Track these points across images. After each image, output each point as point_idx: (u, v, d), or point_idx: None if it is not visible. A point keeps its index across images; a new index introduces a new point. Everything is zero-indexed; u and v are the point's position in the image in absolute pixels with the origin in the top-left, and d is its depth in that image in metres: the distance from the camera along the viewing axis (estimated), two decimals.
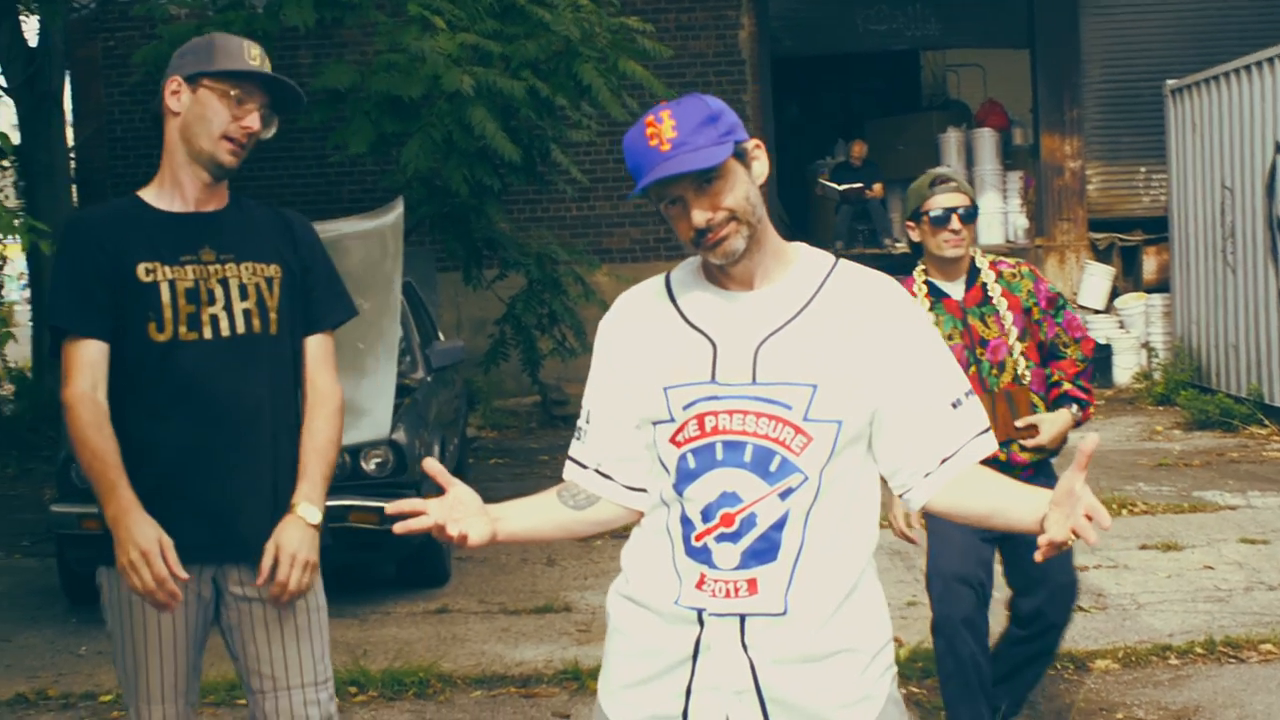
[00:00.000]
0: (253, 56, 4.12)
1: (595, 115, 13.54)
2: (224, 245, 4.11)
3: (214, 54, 4.09)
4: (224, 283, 4.07)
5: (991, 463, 3.38)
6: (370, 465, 8.75)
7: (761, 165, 3.18)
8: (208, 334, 4.03)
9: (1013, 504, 3.20)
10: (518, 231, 15.17)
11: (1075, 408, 5.71)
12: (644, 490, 3.29)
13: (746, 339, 3.14)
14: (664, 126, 3.05)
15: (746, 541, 3.11)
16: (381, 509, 8.64)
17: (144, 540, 3.80)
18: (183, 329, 4.01)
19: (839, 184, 19.29)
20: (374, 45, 12.76)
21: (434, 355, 10.41)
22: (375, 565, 9.43)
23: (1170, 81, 17.16)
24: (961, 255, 5.65)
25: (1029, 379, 5.67)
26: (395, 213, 9.41)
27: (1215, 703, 6.57)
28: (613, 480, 3.32)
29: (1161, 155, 17.76)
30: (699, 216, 3.08)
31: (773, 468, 3.10)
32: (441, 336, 12.00)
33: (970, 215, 5.62)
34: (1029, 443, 5.61)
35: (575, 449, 3.39)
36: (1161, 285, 18.32)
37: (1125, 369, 18.01)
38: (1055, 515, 3.02)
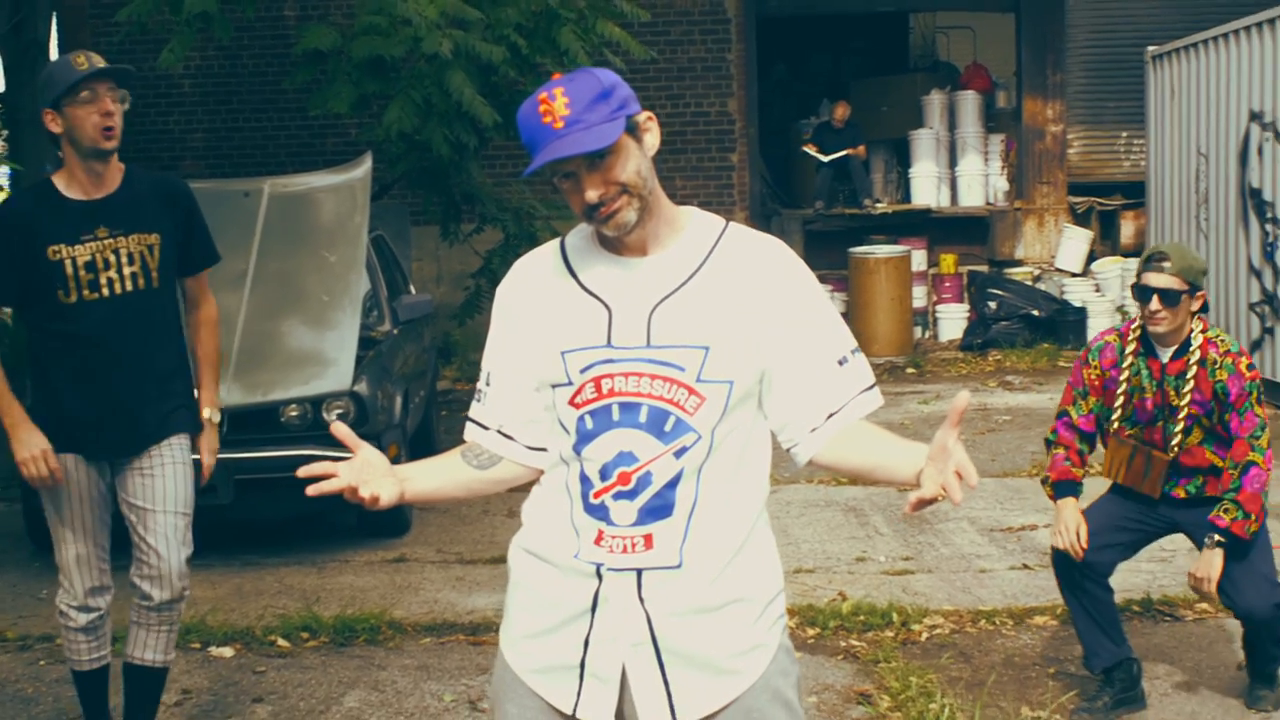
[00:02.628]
0: (79, 64, 5.11)
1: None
2: (115, 224, 5.27)
3: (54, 81, 5.12)
4: (115, 253, 5.26)
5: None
6: (332, 416, 8.85)
7: (653, 137, 3.26)
8: (105, 294, 5.25)
9: (894, 459, 3.30)
10: (496, 187, 15.26)
11: (1216, 537, 5.87)
12: (544, 450, 3.39)
13: (640, 304, 3.23)
14: (557, 104, 3.11)
15: (643, 499, 3.21)
16: (343, 458, 8.75)
17: (33, 447, 5.21)
18: (85, 292, 5.24)
19: (821, 147, 19.33)
20: (356, 2, 12.83)
21: (401, 309, 10.51)
22: (336, 515, 9.56)
23: (1151, 48, 17.23)
24: (1165, 332, 5.88)
25: (1174, 450, 5.99)
26: (364, 167, 9.53)
27: (1147, 658, 6.70)
28: (514, 441, 3.42)
29: (1142, 121, 17.84)
30: (592, 193, 3.15)
31: (667, 428, 3.21)
32: (413, 290, 12.09)
33: (1172, 299, 5.80)
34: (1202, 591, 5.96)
35: (476, 410, 3.48)
36: (1138, 250, 18.41)
37: (1099, 332, 18.11)
38: (929, 470, 3.12)
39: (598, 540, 3.24)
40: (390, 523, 9.43)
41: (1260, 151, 14.09)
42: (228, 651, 7.15)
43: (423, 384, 11.17)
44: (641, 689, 3.27)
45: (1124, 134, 19.51)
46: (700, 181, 18.97)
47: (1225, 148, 14.97)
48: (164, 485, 5.39)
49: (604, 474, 3.23)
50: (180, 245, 5.46)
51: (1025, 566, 8.42)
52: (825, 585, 8.14)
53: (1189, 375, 5.90)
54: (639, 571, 3.23)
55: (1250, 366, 5.94)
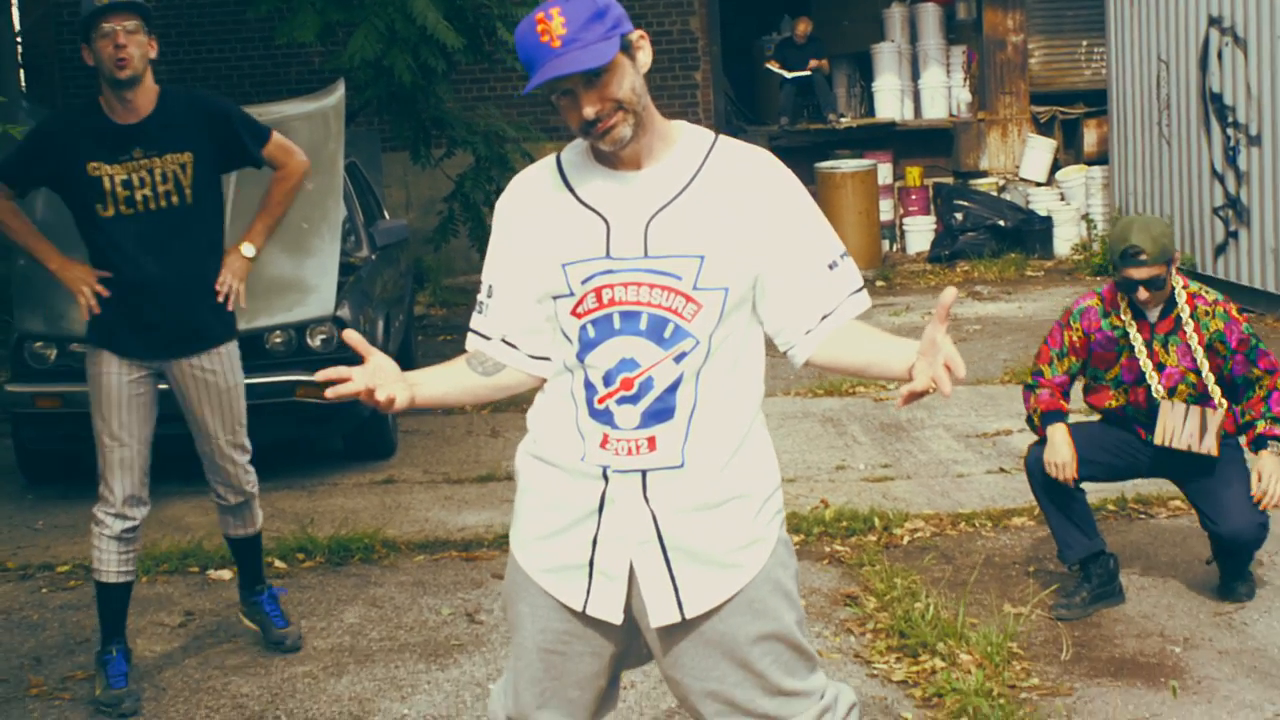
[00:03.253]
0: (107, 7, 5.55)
1: None
2: (148, 145, 5.68)
3: (80, 18, 5.59)
4: (150, 172, 5.70)
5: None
6: (316, 341, 8.97)
7: (646, 55, 3.37)
8: (140, 209, 5.71)
9: (886, 355, 3.44)
10: (465, 110, 15.31)
11: (1277, 445, 6.09)
12: (547, 359, 3.53)
13: (637, 215, 3.36)
14: (554, 24, 3.21)
15: (645, 403, 3.36)
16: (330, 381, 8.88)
17: (81, 276, 5.78)
18: (122, 208, 5.71)
19: (784, 64, 19.40)
20: None
21: (378, 234, 10.61)
22: (323, 439, 9.68)
23: None
24: (1155, 306, 6.14)
25: (1221, 404, 6.20)
26: (336, 94, 9.58)
27: (1123, 555, 6.89)
28: (517, 350, 3.54)
29: (1102, 29, 17.95)
30: (589, 110, 3.26)
31: (666, 334, 3.35)
32: (387, 215, 12.18)
33: (1157, 284, 6.03)
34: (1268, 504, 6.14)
35: (477, 322, 3.59)
36: (1102, 158, 18.59)
37: (1065, 240, 18.31)
38: (920, 365, 3.26)
39: (603, 444, 3.39)
40: (376, 446, 9.57)
41: (1220, 56, 14.23)
42: (226, 574, 7.29)
43: (401, 308, 11.29)
44: (649, 585, 3.43)
45: (1084, 42, 19.63)
46: (664, 100, 19.00)
47: (1185, 54, 15.10)
48: (217, 407, 5.89)
49: (607, 380, 3.37)
50: (224, 151, 5.88)
51: (1002, 470, 8.60)
52: (807, 494, 8.31)
53: (1184, 328, 6.12)
54: (644, 473, 3.38)
55: (1240, 310, 6.21)
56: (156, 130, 5.70)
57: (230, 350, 5.96)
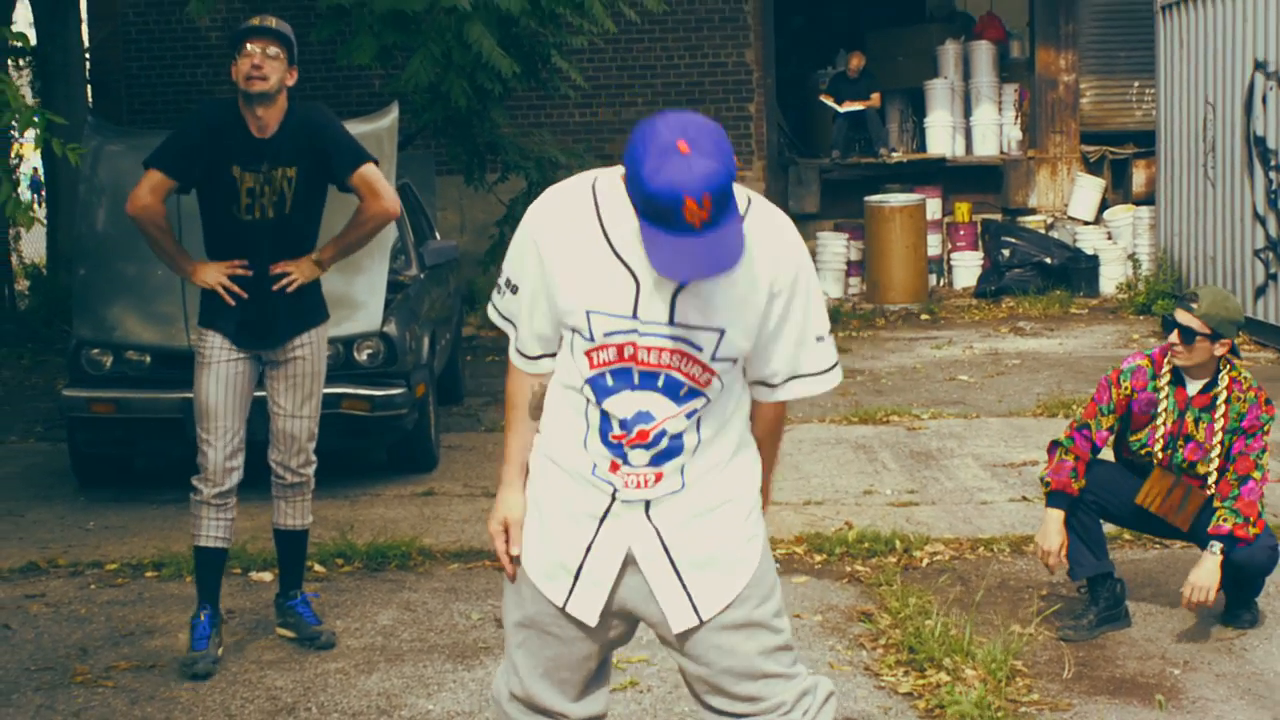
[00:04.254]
0: (252, 21, 6.26)
1: (594, 24, 13.98)
2: (273, 160, 6.29)
3: (234, 34, 6.28)
4: (270, 183, 6.31)
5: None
6: (363, 356, 9.26)
7: None
8: (255, 216, 6.35)
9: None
10: (519, 135, 15.62)
11: (1217, 546, 6.35)
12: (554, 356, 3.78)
13: (667, 281, 3.50)
14: (702, 211, 3.30)
15: (657, 449, 3.63)
16: (372, 397, 9.19)
17: (214, 274, 6.37)
18: (243, 214, 6.35)
19: (836, 97, 19.65)
20: None
21: (428, 254, 10.90)
22: (366, 451, 9.96)
23: None
24: (1187, 364, 6.43)
25: (1213, 486, 6.48)
26: (390, 117, 9.88)
27: (1135, 582, 7.10)
28: (550, 357, 3.78)
29: (1153, 71, 18.11)
30: None
31: (682, 393, 3.60)
32: (438, 236, 12.47)
33: (1189, 336, 6.33)
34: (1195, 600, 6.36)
35: (505, 306, 3.79)
36: (1150, 198, 18.72)
37: (1111, 279, 18.46)
38: None
39: (612, 469, 3.65)
40: (419, 459, 9.85)
41: (1264, 100, 14.40)
42: (267, 576, 7.57)
43: (448, 327, 11.57)
44: (665, 596, 3.71)
45: (1135, 84, 19.79)
46: None
47: (1231, 97, 15.27)
48: (296, 388, 6.54)
49: (624, 426, 3.61)
50: (321, 167, 6.41)
51: (1025, 499, 8.81)
52: (833, 515, 8.54)
53: (1216, 409, 6.42)
54: (648, 501, 3.67)
55: (1268, 402, 6.50)
56: (279, 145, 6.29)
57: (319, 335, 6.60)
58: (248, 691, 6.10)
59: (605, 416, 3.62)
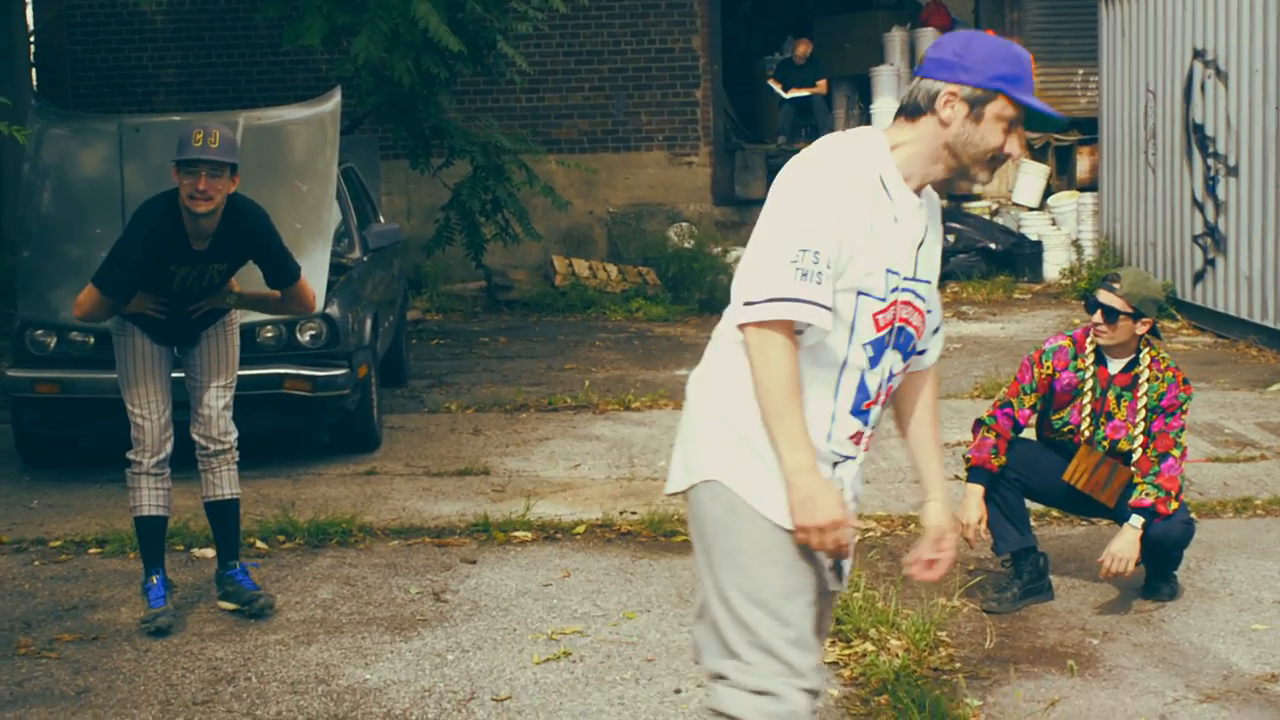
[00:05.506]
0: (196, 140, 6.36)
1: (542, 7, 14.09)
2: (209, 260, 6.64)
3: (179, 147, 6.42)
4: (202, 274, 6.65)
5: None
6: (305, 337, 9.35)
7: None
8: (187, 288, 6.65)
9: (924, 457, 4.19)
10: (465, 121, 15.73)
11: (1138, 520, 6.52)
12: None
13: (912, 238, 3.78)
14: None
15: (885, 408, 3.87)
16: (315, 377, 9.28)
17: (140, 304, 6.61)
18: (177, 287, 6.64)
19: (783, 83, 19.80)
20: None
21: (371, 237, 10.98)
22: (309, 431, 10.05)
23: None
24: (1110, 344, 6.62)
25: (1136, 462, 6.65)
26: (333, 101, 9.98)
27: (1060, 556, 7.28)
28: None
29: (1096, 59, 18.31)
30: (1013, 147, 3.73)
31: (909, 348, 3.84)
32: (382, 220, 12.56)
33: (1112, 315, 6.53)
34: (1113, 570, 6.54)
35: (812, 291, 3.60)
36: (1093, 184, 18.93)
37: (1055, 265, 18.66)
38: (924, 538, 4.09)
39: (855, 438, 3.80)
40: (362, 439, 9.95)
41: (1203, 88, 14.62)
42: (209, 552, 7.65)
43: (392, 310, 11.66)
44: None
45: (1080, 71, 19.99)
46: (665, 117, 19.43)
47: (1171, 85, 15.48)
48: (210, 360, 6.84)
49: (879, 388, 3.78)
50: (252, 259, 6.82)
51: (957, 478, 8.92)
52: None
53: (1138, 387, 6.61)
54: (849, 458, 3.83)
55: (1186, 381, 6.68)
56: (215, 250, 6.63)
57: (231, 317, 6.94)
58: (189, 662, 6.21)
59: (864, 387, 3.75)
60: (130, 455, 6.73)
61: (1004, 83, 3.66)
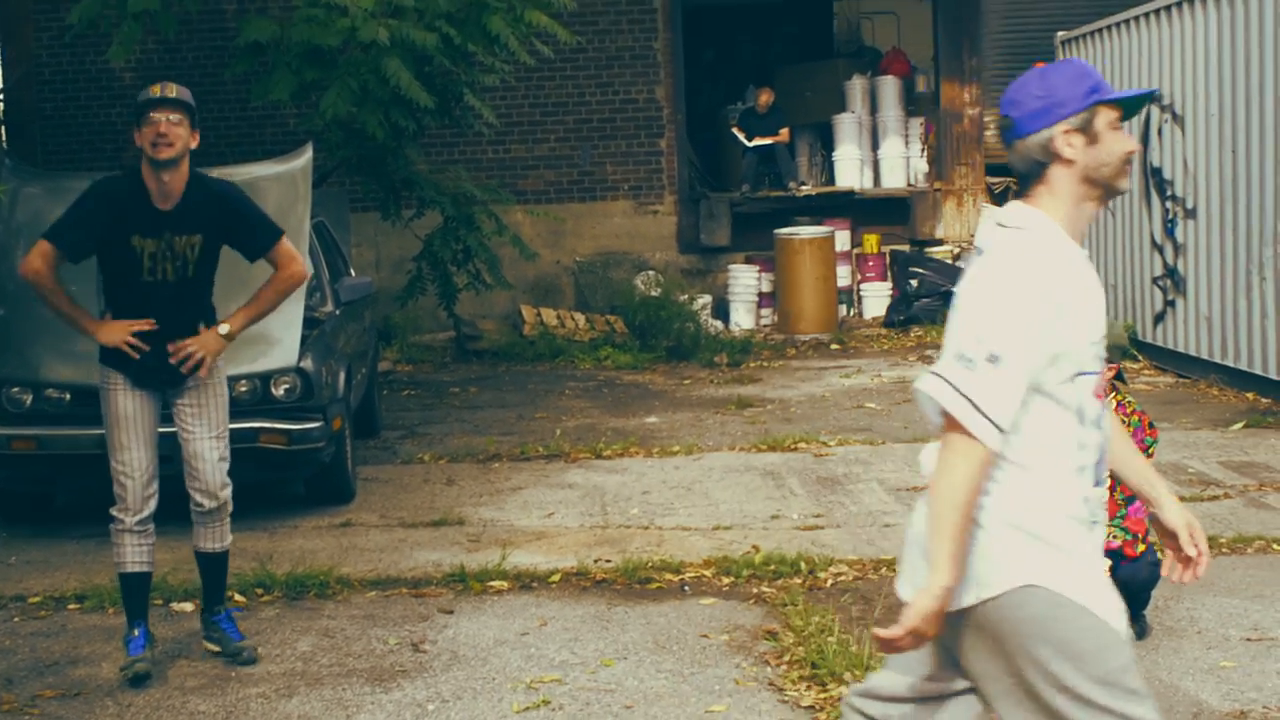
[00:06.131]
0: (154, 92, 6.57)
1: (509, 60, 14.23)
2: (176, 229, 6.68)
3: (138, 105, 6.60)
4: (171, 248, 6.70)
5: None
6: (279, 391, 9.43)
7: None
8: (160, 278, 6.73)
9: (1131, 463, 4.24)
10: (434, 172, 15.84)
11: (1105, 564, 6.47)
12: None
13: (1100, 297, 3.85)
14: None
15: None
16: (290, 431, 9.37)
17: (119, 333, 6.66)
18: (146, 276, 6.72)
19: (746, 132, 19.99)
20: None
21: (343, 290, 11.08)
22: (284, 483, 10.13)
23: (1060, 33, 17.95)
24: None
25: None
26: (305, 157, 10.10)
27: None
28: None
29: None
30: (1131, 142, 3.83)
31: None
32: (353, 273, 12.65)
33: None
34: None
35: (995, 407, 3.64)
36: None
37: None
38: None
39: (1109, 510, 4.00)
40: (336, 491, 10.03)
41: (1160, 132, 14.83)
42: (188, 606, 7.74)
43: (364, 362, 11.75)
44: None
45: None
46: (630, 167, 19.60)
47: (1129, 129, 15.62)
48: (202, 412, 6.83)
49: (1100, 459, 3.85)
50: (230, 237, 6.89)
51: None
52: (741, 540, 8.79)
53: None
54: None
55: (1151, 425, 6.85)
56: (181, 214, 6.69)
57: (221, 376, 6.94)
58: (171, 716, 6.29)
59: (1101, 460, 3.82)
60: (113, 512, 6.79)
61: (1094, 94, 3.74)
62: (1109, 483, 6.53)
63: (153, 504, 6.81)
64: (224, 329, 6.82)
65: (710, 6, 21.01)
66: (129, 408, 6.75)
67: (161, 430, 6.87)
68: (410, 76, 12.54)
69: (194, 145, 6.66)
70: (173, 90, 6.59)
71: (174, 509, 7.06)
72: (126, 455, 6.74)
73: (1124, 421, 6.72)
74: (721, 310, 19.34)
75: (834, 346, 17.70)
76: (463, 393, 15.03)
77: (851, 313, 19.76)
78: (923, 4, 21.15)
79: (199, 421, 6.82)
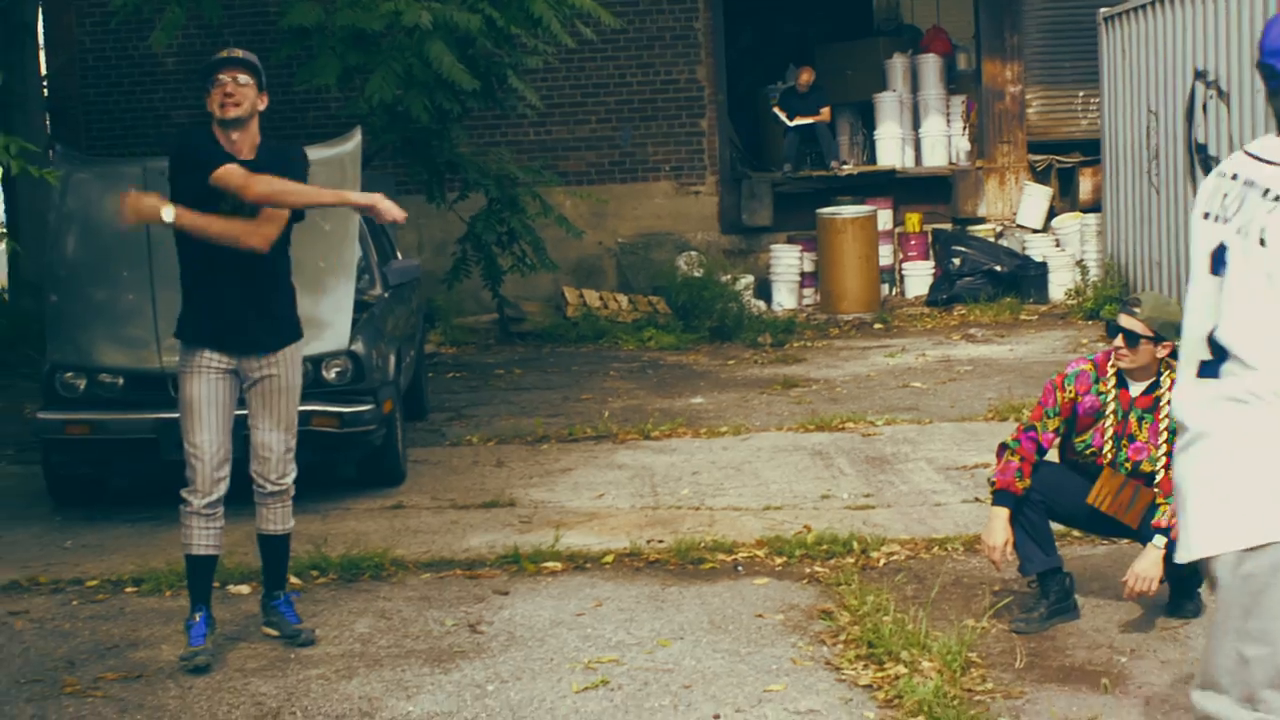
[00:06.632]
0: (221, 54, 6.73)
1: (551, 42, 14.26)
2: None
3: (205, 67, 6.79)
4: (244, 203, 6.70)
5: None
6: (331, 374, 9.49)
7: None
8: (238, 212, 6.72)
9: None
10: (477, 154, 15.88)
11: (1161, 540, 6.59)
12: None
13: None
14: None
15: None
16: (342, 414, 9.42)
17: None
18: (228, 208, 6.69)
19: (787, 111, 19.97)
20: None
21: (390, 273, 11.13)
22: (336, 466, 10.17)
23: (1103, 10, 17.89)
24: (1131, 367, 6.74)
25: (1159, 483, 6.72)
26: (354, 141, 10.12)
27: (1084, 576, 7.38)
28: None
29: (1097, 81, 18.47)
30: None
31: None
32: (400, 255, 12.70)
33: (1133, 340, 6.65)
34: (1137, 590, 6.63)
35: None
36: (1096, 206, 19.06)
37: (1060, 285, 18.78)
38: None
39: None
40: (387, 473, 10.09)
41: (1205, 109, 14.76)
42: (245, 589, 7.80)
43: (412, 345, 11.80)
44: None
45: (1081, 93, 20.13)
46: (671, 147, 19.60)
47: (1173, 105, 15.63)
48: (274, 404, 6.91)
49: None
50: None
51: (977, 500, 9.08)
52: (792, 520, 8.80)
53: (1160, 409, 6.72)
54: None
55: None
56: (255, 166, 6.68)
57: (294, 352, 6.99)
58: (233, 698, 6.33)
59: None
60: (183, 493, 6.82)
61: None
62: (1163, 460, 6.64)
63: (223, 487, 6.84)
64: (168, 214, 6.65)
65: None
66: (205, 391, 6.76)
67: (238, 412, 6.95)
68: (454, 59, 12.57)
69: (262, 107, 6.78)
70: (239, 52, 6.73)
71: (232, 491, 7.09)
72: (198, 438, 6.76)
73: None
74: (764, 290, 19.34)
75: (877, 326, 17.68)
76: (508, 374, 15.07)
77: (894, 292, 19.74)
78: None
79: (270, 412, 6.90)
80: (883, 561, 7.96)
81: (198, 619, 6.80)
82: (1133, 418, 6.76)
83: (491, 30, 13.04)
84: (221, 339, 6.77)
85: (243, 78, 6.68)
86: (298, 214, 6.96)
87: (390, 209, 6.70)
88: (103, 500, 9.93)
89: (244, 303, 6.78)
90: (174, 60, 18.99)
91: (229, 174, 6.57)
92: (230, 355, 6.80)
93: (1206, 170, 14.70)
